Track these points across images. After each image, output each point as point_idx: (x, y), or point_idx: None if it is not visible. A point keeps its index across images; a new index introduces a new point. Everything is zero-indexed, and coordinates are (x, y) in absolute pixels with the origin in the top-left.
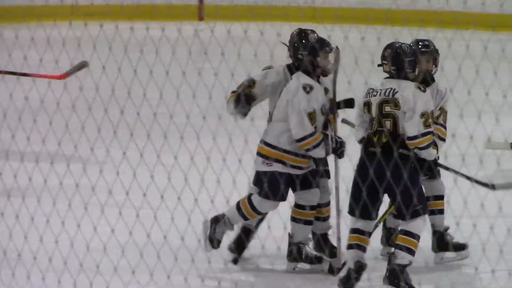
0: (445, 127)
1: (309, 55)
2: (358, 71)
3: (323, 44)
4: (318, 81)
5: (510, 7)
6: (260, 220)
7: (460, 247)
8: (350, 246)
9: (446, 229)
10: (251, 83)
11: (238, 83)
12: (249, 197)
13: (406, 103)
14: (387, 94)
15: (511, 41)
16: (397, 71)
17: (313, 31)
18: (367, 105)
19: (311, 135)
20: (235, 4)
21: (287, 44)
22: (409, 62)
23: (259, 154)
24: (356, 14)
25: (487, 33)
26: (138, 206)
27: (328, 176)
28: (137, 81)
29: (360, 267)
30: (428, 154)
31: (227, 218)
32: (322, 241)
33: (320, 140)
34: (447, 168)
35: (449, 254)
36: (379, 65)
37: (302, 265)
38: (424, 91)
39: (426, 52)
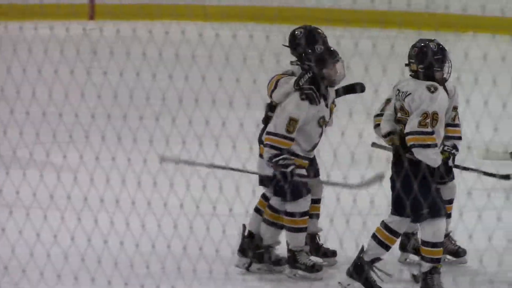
0: (459, 126)
1: (316, 66)
2: (246, 68)
3: (331, 54)
4: (326, 90)
5: (398, 4)
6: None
7: (456, 253)
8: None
9: (446, 234)
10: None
11: (127, 82)
12: (285, 213)
13: (414, 104)
14: (402, 98)
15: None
16: (424, 70)
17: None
18: (395, 106)
19: (275, 135)
20: (124, 3)
21: (289, 45)
22: (436, 60)
23: (260, 155)
24: (245, 12)
25: (375, 30)
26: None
27: (318, 174)
28: (26, 80)
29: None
30: (424, 157)
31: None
32: (309, 241)
33: (279, 147)
34: (465, 168)
35: (450, 257)
36: (406, 65)
37: (302, 272)
38: (433, 91)
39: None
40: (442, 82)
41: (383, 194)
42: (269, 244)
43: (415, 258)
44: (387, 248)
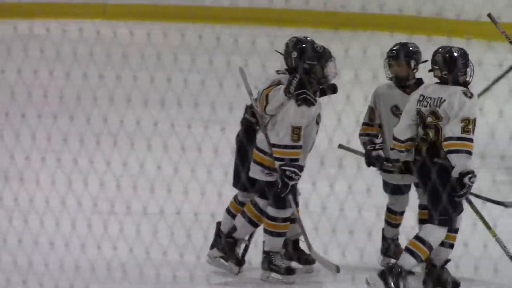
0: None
1: (319, 65)
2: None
3: (330, 53)
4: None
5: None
6: (252, 233)
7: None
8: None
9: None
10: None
11: (24, 80)
12: (268, 216)
13: (452, 109)
14: (435, 104)
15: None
16: (448, 75)
17: (312, 40)
18: (419, 113)
19: (285, 147)
20: (21, 2)
21: (282, 53)
22: (461, 65)
23: (255, 161)
24: (142, 10)
25: (274, 29)
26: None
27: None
28: None
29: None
30: (457, 162)
31: (273, 250)
32: (292, 248)
33: (286, 158)
34: (476, 196)
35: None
36: (429, 71)
37: (276, 275)
38: (471, 97)
39: (394, 56)
40: (465, 85)
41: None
42: (238, 237)
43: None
44: (420, 259)
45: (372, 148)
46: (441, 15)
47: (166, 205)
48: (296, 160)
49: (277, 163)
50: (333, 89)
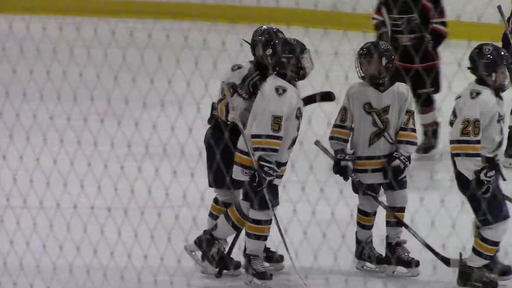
0: (415, 131)
1: (295, 57)
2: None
3: (304, 45)
4: (295, 85)
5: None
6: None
7: (408, 264)
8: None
9: (399, 243)
10: (234, 88)
11: None
12: (249, 219)
13: (458, 109)
14: (456, 100)
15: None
16: (473, 73)
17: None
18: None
19: (267, 136)
20: None
21: (250, 42)
22: (485, 65)
23: (236, 163)
24: (56, 3)
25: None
26: None
27: None
28: None
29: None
30: (462, 166)
31: (253, 253)
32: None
33: (266, 147)
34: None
35: (401, 269)
36: (469, 68)
37: (256, 280)
38: (474, 97)
39: (365, 54)
40: (494, 87)
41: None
42: (216, 236)
43: (372, 266)
44: (491, 258)
45: (342, 157)
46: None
47: (62, 199)
48: (276, 150)
49: (256, 155)
50: (329, 97)
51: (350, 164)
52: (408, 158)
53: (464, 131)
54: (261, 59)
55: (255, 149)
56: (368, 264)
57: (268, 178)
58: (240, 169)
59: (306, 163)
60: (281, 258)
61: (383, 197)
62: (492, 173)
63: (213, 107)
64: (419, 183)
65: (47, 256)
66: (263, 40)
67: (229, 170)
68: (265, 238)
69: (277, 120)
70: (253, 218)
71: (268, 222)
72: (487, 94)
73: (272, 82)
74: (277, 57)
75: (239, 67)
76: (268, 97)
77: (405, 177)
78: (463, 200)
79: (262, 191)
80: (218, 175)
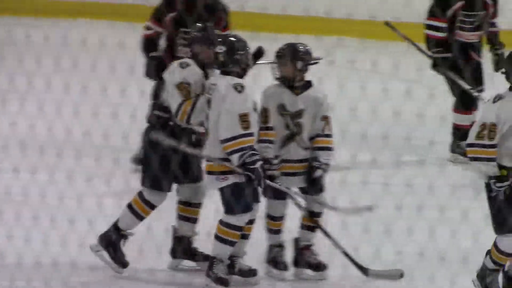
0: (331, 136)
1: (246, 54)
2: None
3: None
4: None
5: None
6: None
7: (317, 267)
8: None
9: (307, 246)
10: (188, 87)
11: None
12: (223, 223)
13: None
14: None
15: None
16: (509, 81)
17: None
18: None
19: (240, 136)
20: None
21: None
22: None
23: (208, 172)
24: None
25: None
26: None
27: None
28: None
29: None
30: (476, 169)
31: (218, 257)
32: (180, 243)
33: (244, 147)
34: None
35: (309, 272)
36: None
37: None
38: (495, 101)
39: (280, 56)
40: None
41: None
42: (122, 228)
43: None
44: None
45: (267, 168)
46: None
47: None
48: (251, 147)
49: (235, 159)
50: (260, 53)
51: (276, 173)
52: (327, 165)
53: (480, 135)
54: (199, 56)
55: (231, 153)
56: (276, 271)
57: (258, 165)
58: (213, 177)
59: None
60: (205, 258)
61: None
62: (502, 184)
63: (157, 107)
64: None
65: None
66: (202, 36)
67: (168, 172)
68: (232, 243)
69: (244, 118)
70: (226, 222)
71: (239, 228)
72: (509, 99)
73: (225, 81)
74: (231, 54)
75: (187, 64)
76: (228, 96)
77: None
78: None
79: (243, 195)
80: (158, 178)
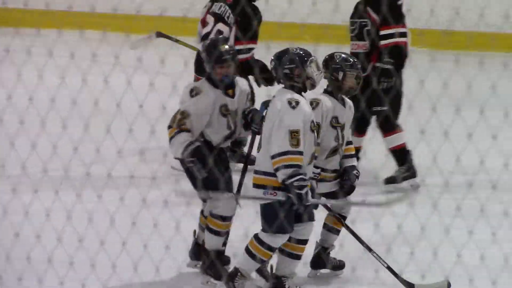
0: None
1: (298, 67)
2: None
3: (309, 53)
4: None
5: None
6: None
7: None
8: None
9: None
10: (185, 115)
11: None
12: (257, 238)
13: None
14: None
15: None
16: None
17: None
18: None
19: (287, 153)
20: None
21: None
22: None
23: (256, 185)
24: None
25: None
26: None
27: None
28: None
29: None
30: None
31: (242, 270)
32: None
33: (291, 164)
34: None
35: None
36: None
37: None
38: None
39: (347, 67)
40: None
41: None
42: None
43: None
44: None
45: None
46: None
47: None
48: (300, 166)
49: (280, 176)
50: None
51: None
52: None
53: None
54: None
55: (277, 169)
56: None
57: (304, 191)
58: (261, 191)
59: None
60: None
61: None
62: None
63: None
64: None
65: None
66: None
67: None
68: (261, 261)
69: (294, 135)
70: (259, 237)
71: (270, 248)
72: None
73: (282, 95)
74: (280, 69)
75: (197, 92)
76: (282, 111)
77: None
78: None
79: (283, 214)
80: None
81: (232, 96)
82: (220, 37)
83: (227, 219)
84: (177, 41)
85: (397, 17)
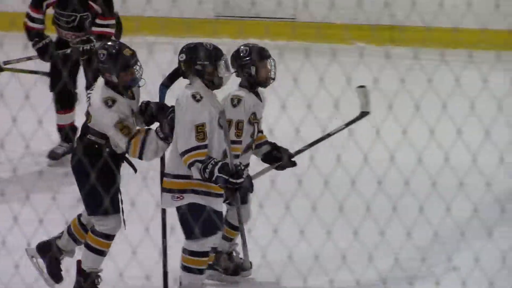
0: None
1: (211, 64)
2: None
3: (221, 51)
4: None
5: None
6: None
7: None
8: None
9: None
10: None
11: None
12: (184, 250)
13: None
14: None
15: None
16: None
17: None
18: None
19: (193, 149)
20: None
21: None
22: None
23: (164, 189)
24: None
25: None
26: None
27: None
28: None
29: None
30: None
31: None
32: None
33: (200, 159)
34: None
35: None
36: None
37: None
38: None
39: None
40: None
41: None
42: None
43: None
44: None
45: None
46: None
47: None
48: (209, 158)
49: (195, 172)
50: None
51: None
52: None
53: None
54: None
55: (189, 166)
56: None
57: (238, 180)
58: (169, 195)
59: None
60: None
61: None
62: None
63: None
64: None
65: None
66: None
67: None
68: (200, 271)
69: (200, 128)
70: (189, 249)
71: (205, 254)
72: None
73: (187, 90)
74: (191, 64)
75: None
76: (186, 107)
77: None
78: None
79: (202, 216)
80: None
81: (133, 97)
82: (119, 42)
83: (110, 237)
84: (22, 70)
85: None
